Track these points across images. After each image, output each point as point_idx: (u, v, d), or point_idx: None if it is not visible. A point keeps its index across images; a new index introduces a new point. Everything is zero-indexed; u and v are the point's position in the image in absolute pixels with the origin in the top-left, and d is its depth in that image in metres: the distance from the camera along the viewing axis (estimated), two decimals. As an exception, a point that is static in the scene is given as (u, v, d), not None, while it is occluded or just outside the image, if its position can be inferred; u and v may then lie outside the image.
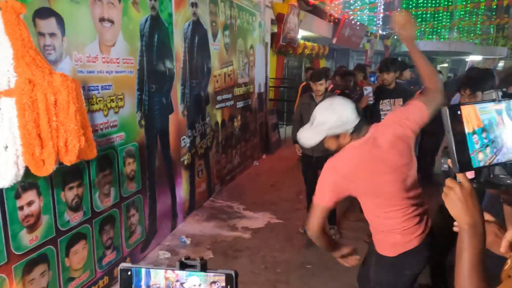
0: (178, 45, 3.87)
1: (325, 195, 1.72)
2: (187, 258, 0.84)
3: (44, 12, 2.20)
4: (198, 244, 3.72)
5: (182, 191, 4.12)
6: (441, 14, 19.82)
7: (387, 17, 19.20)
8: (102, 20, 2.71)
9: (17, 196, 2.09)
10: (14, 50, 1.58)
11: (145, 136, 3.31)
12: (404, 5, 19.86)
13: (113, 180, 2.91)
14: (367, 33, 15.47)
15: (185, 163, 4.18)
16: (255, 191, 5.33)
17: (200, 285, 0.82)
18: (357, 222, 4.20)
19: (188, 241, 3.74)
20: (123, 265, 0.85)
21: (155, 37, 3.41)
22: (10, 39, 1.58)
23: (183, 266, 0.83)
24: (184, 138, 4.11)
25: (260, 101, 7.07)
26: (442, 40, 19.91)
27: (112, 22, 2.81)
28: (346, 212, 4.36)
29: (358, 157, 1.68)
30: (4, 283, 2.05)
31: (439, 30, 20.27)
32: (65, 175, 2.43)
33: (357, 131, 1.70)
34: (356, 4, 16.11)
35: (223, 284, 0.81)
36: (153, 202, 3.52)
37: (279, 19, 7.69)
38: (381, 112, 3.90)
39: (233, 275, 0.81)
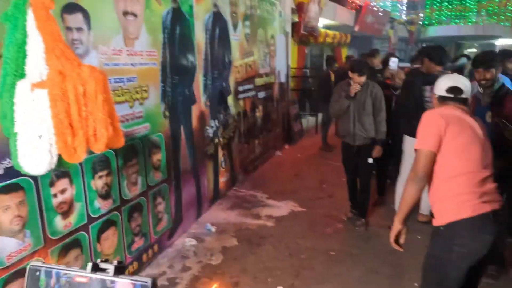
0: (200, 36, 3.92)
1: (429, 140, 1.84)
2: (104, 260, 0.78)
3: (71, 8, 2.29)
4: (223, 231, 3.81)
5: (206, 180, 4.20)
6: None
7: (411, 2, 18.69)
8: (125, 13, 2.78)
9: (51, 184, 2.21)
10: (45, 44, 1.66)
11: (169, 126, 3.39)
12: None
13: (139, 170, 3.01)
14: (390, 20, 15.11)
15: (209, 153, 4.25)
16: (278, 180, 5.37)
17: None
18: (384, 210, 4.25)
19: (213, 229, 3.82)
20: (32, 264, 0.78)
21: (176, 29, 3.47)
22: (41, 33, 1.65)
23: (96, 269, 0.77)
24: (207, 129, 4.18)
25: (281, 91, 7.06)
26: (469, 23, 19.21)
27: (135, 15, 2.89)
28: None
29: (452, 110, 1.92)
30: (41, 266, 2.18)
31: (466, 14, 19.55)
32: (95, 164, 2.53)
33: (441, 101, 2.01)
34: (379, -10, 15.76)
35: None
36: (179, 191, 3.61)
37: (299, 8, 7.64)
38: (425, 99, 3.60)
39: (149, 284, 0.73)
